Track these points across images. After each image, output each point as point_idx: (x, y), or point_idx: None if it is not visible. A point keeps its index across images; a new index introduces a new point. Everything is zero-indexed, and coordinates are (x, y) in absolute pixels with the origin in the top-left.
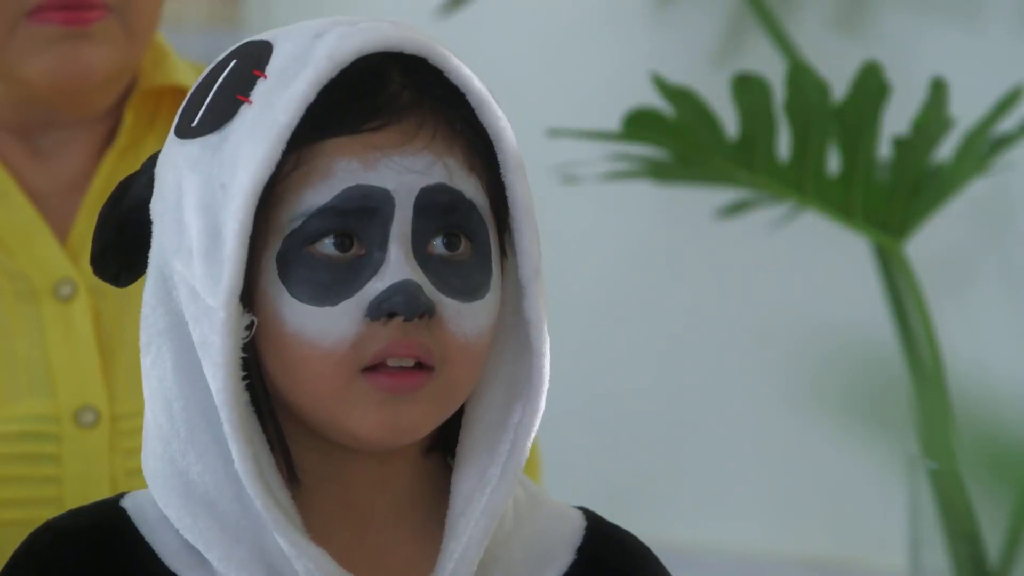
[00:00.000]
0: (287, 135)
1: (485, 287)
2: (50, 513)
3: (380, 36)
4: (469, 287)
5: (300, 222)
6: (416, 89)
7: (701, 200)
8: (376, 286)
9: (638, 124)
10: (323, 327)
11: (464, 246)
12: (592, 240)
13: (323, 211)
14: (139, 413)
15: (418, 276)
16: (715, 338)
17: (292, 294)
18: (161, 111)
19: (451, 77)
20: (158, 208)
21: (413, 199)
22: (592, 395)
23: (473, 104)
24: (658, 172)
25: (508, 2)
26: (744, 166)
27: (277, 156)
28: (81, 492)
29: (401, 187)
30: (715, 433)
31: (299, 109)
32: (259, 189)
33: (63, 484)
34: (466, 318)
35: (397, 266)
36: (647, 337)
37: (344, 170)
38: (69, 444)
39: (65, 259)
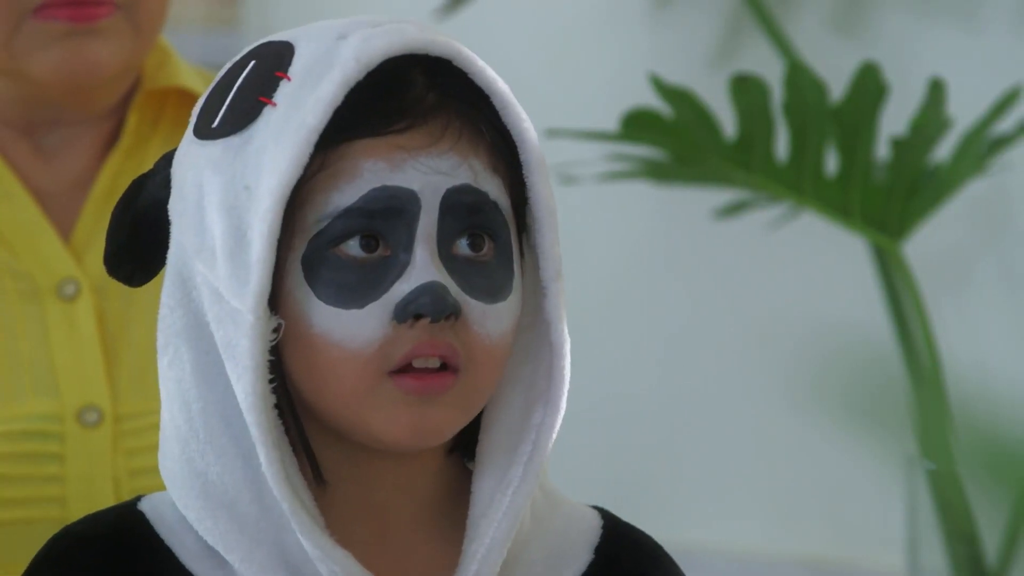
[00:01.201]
0: (315, 138)
1: (508, 288)
2: (53, 513)
3: (406, 38)
4: (493, 288)
5: (326, 223)
6: (441, 91)
7: (699, 200)
8: (402, 288)
9: (636, 124)
10: (350, 330)
11: (488, 247)
12: (590, 240)
13: (349, 212)
14: (142, 413)
15: (444, 277)
16: (714, 338)
17: (318, 296)
18: (165, 112)
19: (476, 79)
20: (177, 208)
21: (439, 200)
22: (591, 396)
23: (497, 106)
24: (656, 172)
25: (508, 2)
26: (742, 166)
27: (305, 159)
28: (84, 492)
29: (427, 188)
30: (714, 433)
31: (327, 111)
32: (287, 192)
33: (66, 483)
34: (490, 319)
35: (423, 267)
36: (645, 337)
37: (370, 171)
38: (72, 443)
39: (69, 258)
